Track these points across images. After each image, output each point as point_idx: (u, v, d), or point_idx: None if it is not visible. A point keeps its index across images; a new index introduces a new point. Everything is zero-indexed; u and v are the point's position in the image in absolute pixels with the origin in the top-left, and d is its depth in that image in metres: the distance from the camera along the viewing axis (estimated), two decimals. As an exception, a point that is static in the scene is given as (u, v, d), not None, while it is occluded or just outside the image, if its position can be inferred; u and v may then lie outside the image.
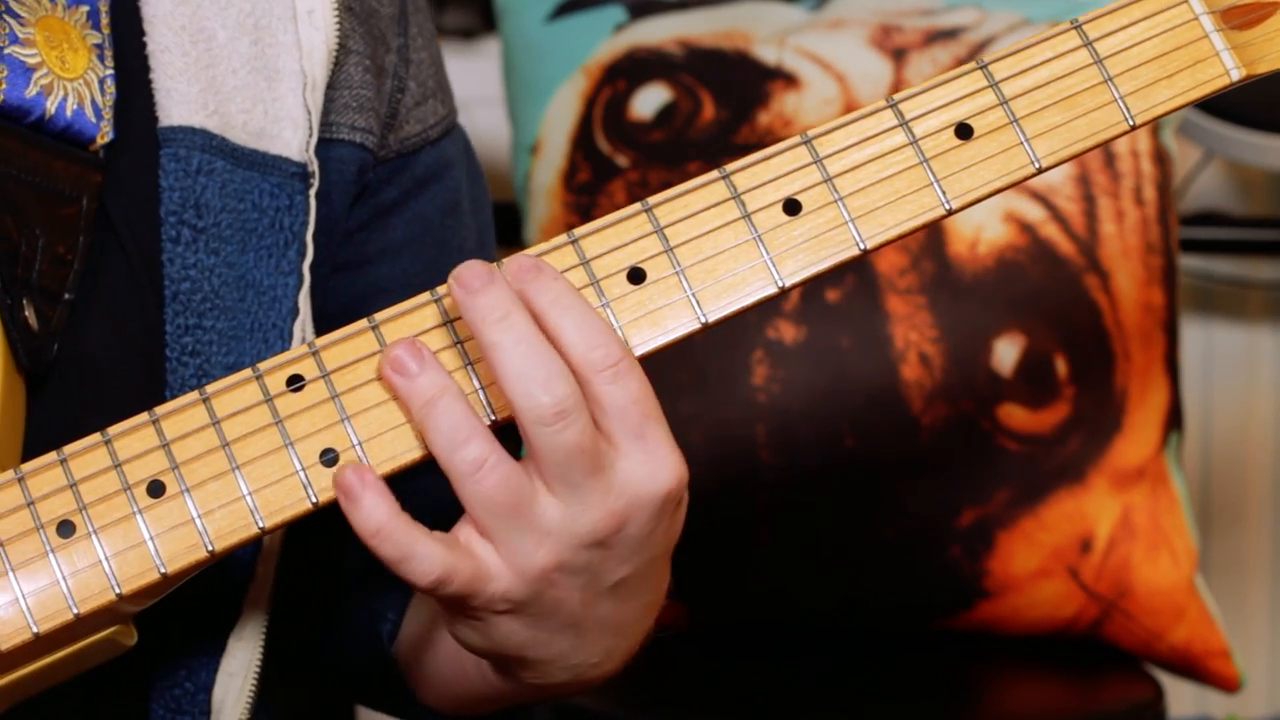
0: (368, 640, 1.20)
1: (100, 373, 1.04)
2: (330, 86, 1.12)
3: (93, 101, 1.04)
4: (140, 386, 1.05)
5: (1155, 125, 1.92)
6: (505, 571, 0.94)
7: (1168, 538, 1.91)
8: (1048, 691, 1.95)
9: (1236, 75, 1.01)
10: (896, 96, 0.99)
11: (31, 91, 1.02)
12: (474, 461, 0.92)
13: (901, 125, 0.99)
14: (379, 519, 0.92)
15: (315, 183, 1.10)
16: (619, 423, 0.93)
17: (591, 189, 1.94)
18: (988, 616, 1.91)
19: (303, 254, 1.10)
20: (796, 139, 0.99)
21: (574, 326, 0.93)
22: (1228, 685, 1.97)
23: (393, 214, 1.18)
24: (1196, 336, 2.67)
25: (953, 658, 1.94)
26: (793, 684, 1.89)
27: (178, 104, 1.07)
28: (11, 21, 1.02)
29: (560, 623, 0.97)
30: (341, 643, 1.22)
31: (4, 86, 1.01)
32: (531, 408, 0.91)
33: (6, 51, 1.02)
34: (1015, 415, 1.88)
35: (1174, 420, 1.93)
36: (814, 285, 1.88)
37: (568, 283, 0.95)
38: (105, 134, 1.04)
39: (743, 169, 0.98)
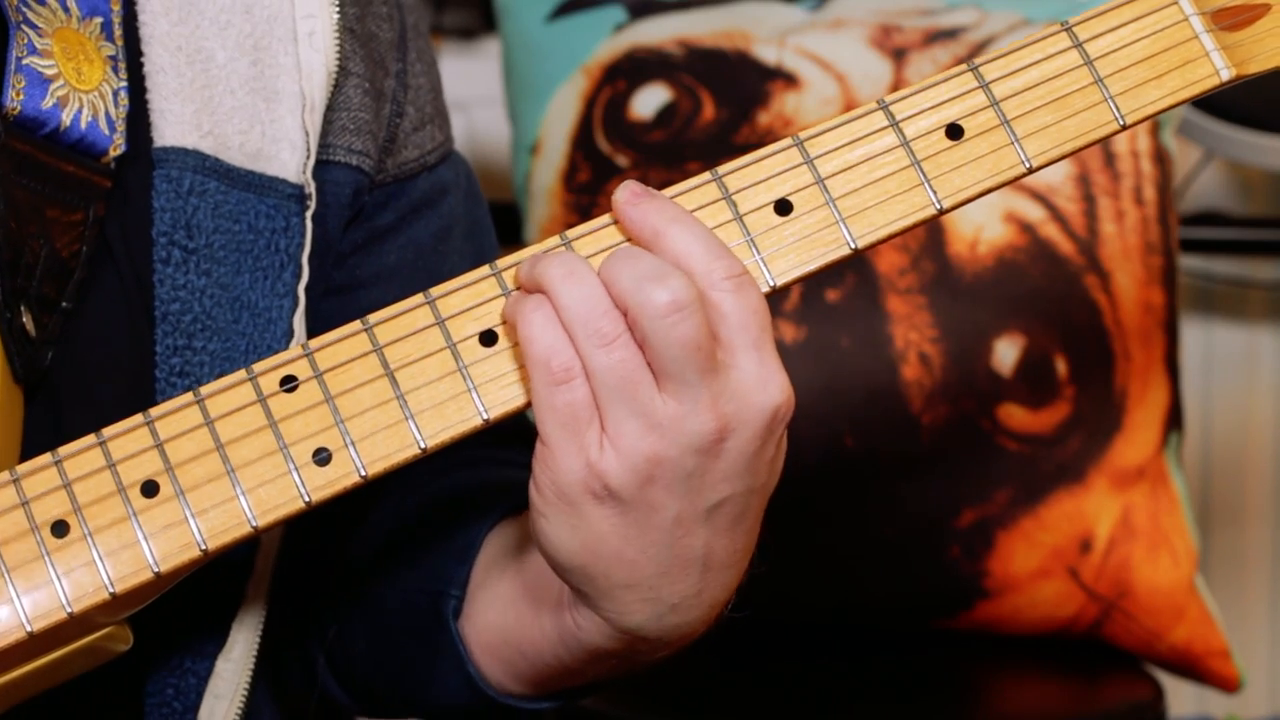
0: (425, 623, 1.16)
1: (90, 387, 1.04)
2: (329, 108, 1.12)
3: (107, 114, 1.04)
4: (129, 404, 1.04)
5: (1155, 125, 1.92)
6: (610, 449, 0.94)
7: (1168, 538, 1.91)
8: (1048, 691, 1.95)
9: (1226, 75, 1.01)
10: (887, 98, 1.00)
11: (48, 103, 1.02)
12: (604, 334, 0.93)
13: (892, 126, 0.99)
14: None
15: (312, 205, 1.10)
16: (739, 332, 0.94)
17: (591, 189, 1.94)
18: (987, 616, 1.91)
19: (298, 276, 1.10)
20: (788, 140, 0.99)
21: (694, 239, 0.95)
22: (1227, 685, 1.97)
23: (387, 239, 1.18)
24: (1196, 336, 2.67)
25: (953, 658, 1.94)
26: (792, 684, 1.89)
27: (171, 125, 1.07)
28: (30, 32, 1.02)
29: (652, 538, 0.96)
30: (387, 632, 1.19)
31: (21, 97, 1.01)
32: (645, 302, 0.92)
33: (24, 62, 1.02)
34: (1015, 415, 1.88)
35: (1174, 420, 1.93)
36: (814, 285, 1.88)
37: (678, 204, 0.96)
38: (118, 146, 1.05)
39: (734, 170, 0.98)
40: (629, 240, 0.97)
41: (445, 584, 1.14)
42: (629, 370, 0.93)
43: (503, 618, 1.10)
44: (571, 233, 0.98)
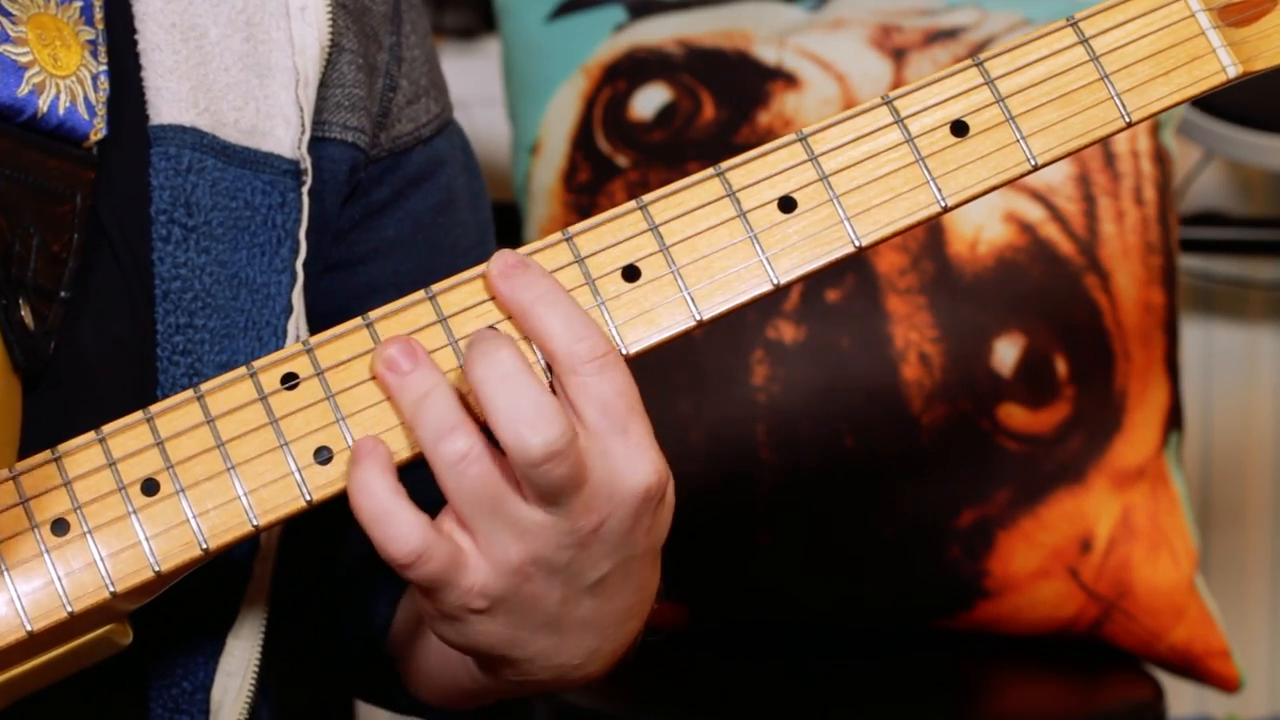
0: (362, 633, 1.20)
1: (92, 372, 1.04)
2: (322, 84, 1.12)
3: (85, 99, 1.04)
4: (132, 386, 1.04)
5: (1155, 125, 1.92)
6: (482, 563, 0.94)
7: (1168, 538, 1.90)
8: (1048, 691, 1.95)
9: (1233, 72, 1.01)
10: (892, 94, 0.99)
11: (23, 90, 1.02)
12: (458, 453, 0.92)
13: (897, 122, 0.99)
14: (368, 478, 0.92)
15: (308, 180, 1.10)
16: (603, 416, 0.93)
17: (592, 189, 1.94)
18: (988, 616, 1.91)
19: (296, 251, 1.10)
20: (791, 136, 0.99)
21: (559, 320, 0.93)
22: (1228, 685, 1.97)
23: (384, 213, 1.18)
24: (1196, 336, 2.67)
25: (953, 658, 1.94)
26: (793, 684, 1.89)
27: (168, 102, 1.07)
28: (3, 20, 1.02)
29: (539, 621, 0.97)
30: (336, 635, 1.22)
31: None
32: (521, 448, 0.91)
33: None
34: (1015, 415, 1.88)
35: (1174, 420, 1.93)
36: (814, 285, 1.88)
37: (553, 278, 0.95)
38: (99, 130, 1.04)
39: (737, 166, 0.98)
40: (507, 315, 0.96)
41: (376, 600, 1.18)
42: (488, 484, 0.92)
43: (419, 646, 1.14)
44: (573, 229, 0.97)
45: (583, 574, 0.95)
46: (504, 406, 0.91)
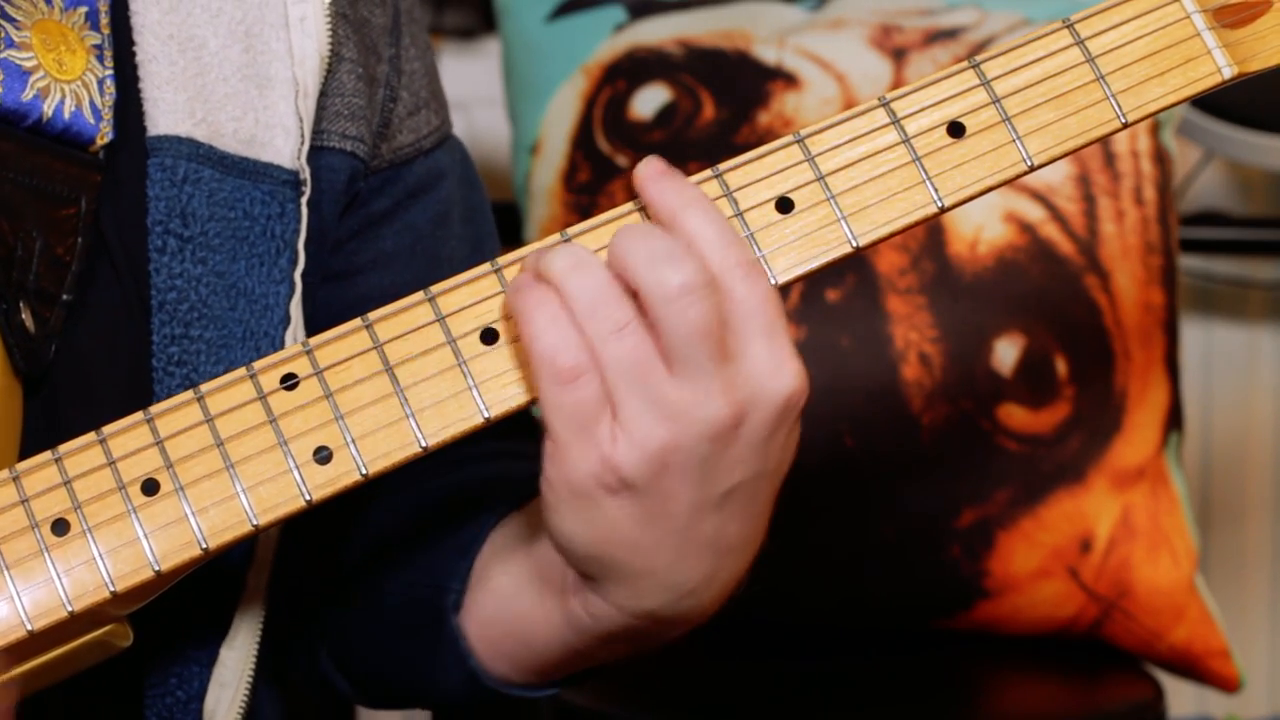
0: (424, 618, 1.16)
1: (90, 378, 1.04)
2: (322, 94, 1.12)
3: (91, 103, 1.04)
4: (129, 394, 1.04)
5: (1155, 125, 1.92)
6: (623, 438, 0.93)
7: (1168, 538, 1.91)
8: (1048, 691, 1.95)
9: (1228, 73, 1.01)
10: (888, 95, 0.99)
11: (28, 95, 1.02)
12: (616, 322, 0.92)
13: (894, 123, 0.99)
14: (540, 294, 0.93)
15: (307, 190, 1.10)
16: (750, 319, 0.93)
17: (592, 189, 1.94)
18: (987, 616, 1.91)
19: (294, 261, 1.10)
20: (789, 137, 0.99)
21: (709, 224, 0.94)
22: (1227, 685, 1.97)
23: (383, 224, 1.18)
24: (1196, 336, 2.67)
25: (953, 658, 1.94)
26: (792, 684, 1.89)
27: (164, 113, 1.07)
28: (7, 26, 1.02)
29: (667, 526, 0.96)
30: (386, 626, 1.18)
31: (0, 91, 1.01)
32: (657, 283, 0.91)
33: (1, 55, 1.02)
34: (1015, 415, 1.88)
35: (1174, 420, 1.93)
36: (814, 284, 1.88)
37: (697, 188, 0.96)
38: (105, 134, 1.04)
39: (735, 167, 0.98)
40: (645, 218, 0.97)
41: (446, 578, 1.14)
42: (641, 356, 0.92)
43: (506, 610, 1.10)
44: (572, 230, 0.98)
45: (717, 478, 0.95)
46: (642, 249, 0.92)
